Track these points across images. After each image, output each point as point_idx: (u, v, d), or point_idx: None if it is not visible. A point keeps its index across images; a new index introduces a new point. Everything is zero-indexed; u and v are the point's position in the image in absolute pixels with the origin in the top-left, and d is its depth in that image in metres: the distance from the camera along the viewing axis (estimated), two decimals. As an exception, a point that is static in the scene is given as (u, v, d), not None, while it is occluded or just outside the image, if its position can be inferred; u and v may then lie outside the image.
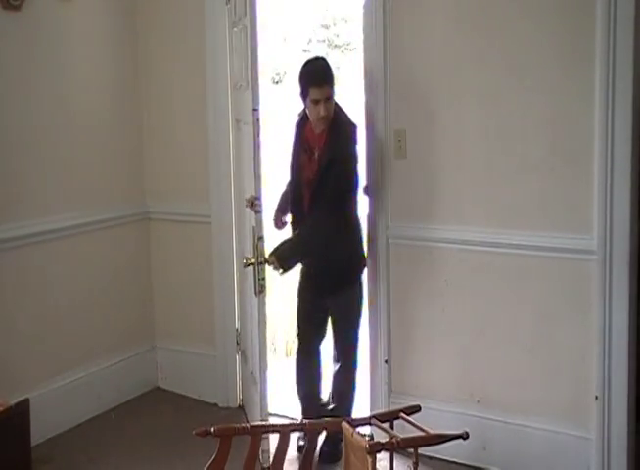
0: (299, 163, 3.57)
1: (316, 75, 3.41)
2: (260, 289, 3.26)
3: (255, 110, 3.22)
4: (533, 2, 3.23)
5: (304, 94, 3.43)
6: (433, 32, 3.45)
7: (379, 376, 3.73)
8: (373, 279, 3.69)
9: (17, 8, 3.59)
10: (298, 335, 3.75)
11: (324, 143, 3.47)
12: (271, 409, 3.54)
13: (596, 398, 3.19)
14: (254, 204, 3.26)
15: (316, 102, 3.39)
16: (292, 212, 3.68)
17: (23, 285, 3.72)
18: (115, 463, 3.61)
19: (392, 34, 3.52)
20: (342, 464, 2.91)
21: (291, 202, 3.66)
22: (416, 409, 3.14)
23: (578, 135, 3.17)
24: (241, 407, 4.19)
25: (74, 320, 3.98)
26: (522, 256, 3.33)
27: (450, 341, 3.55)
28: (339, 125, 3.47)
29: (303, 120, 3.57)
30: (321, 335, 3.73)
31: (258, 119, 3.22)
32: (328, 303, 3.62)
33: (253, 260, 3.25)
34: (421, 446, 2.80)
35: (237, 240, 4.13)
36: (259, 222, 3.24)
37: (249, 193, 3.37)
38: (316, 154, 3.50)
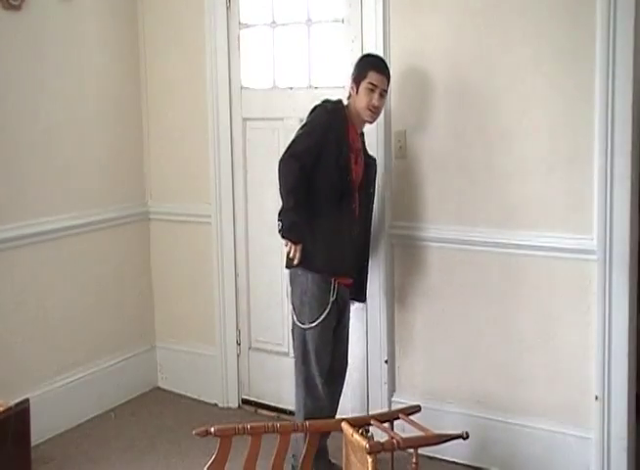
0: (350, 165, 3.23)
1: (380, 63, 3.28)
2: None
3: None
4: (534, 2, 3.23)
5: (360, 77, 3.22)
6: (433, 33, 3.45)
7: (379, 376, 3.73)
8: (373, 279, 3.69)
9: (17, 8, 3.59)
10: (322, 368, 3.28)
11: (362, 142, 3.37)
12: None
13: (596, 398, 3.19)
14: None
15: (372, 88, 3.19)
16: (334, 222, 3.21)
17: (23, 285, 3.72)
18: (115, 463, 3.61)
19: (392, 34, 3.52)
20: (343, 464, 2.92)
21: (334, 211, 3.19)
22: (416, 409, 3.15)
23: (578, 135, 3.17)
24: (240, 407, 4.19)
25: (74, 320, 3.98)
26: (522, 256, 3.33)
27: (450, 341, 3.55)
28: None
29: (343, 119, 3.23)
30: None
31: None
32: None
33: None
34: (421, 446, 2.81)
35: (237, 240, 4.14)
36: None
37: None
38: (360, 157, 3.32)
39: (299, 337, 3.25)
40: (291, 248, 3.15)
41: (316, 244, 3.18)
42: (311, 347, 3.21)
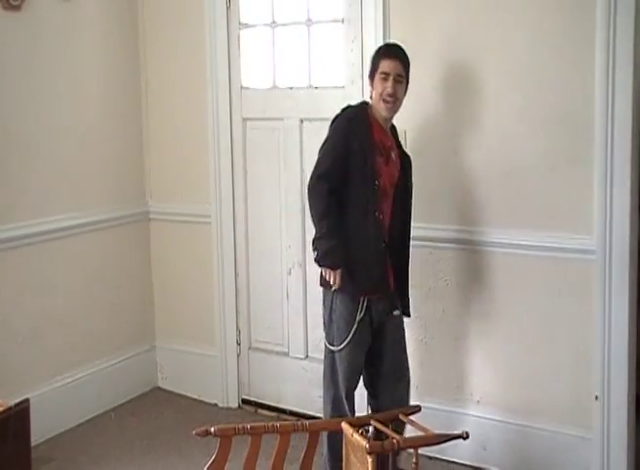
0: (376, 169, 3.01)
1: (390, 49, 3.10)
2: None
3: None
4: (534, 2, 3.23)
5: (373, 71, 3.04)
6: (432, 32, 3.45)
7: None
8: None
9: (17, 8, 3.59)
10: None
11: (396, 140, 3.16)
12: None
13: (596, 398, 3.19)
14: None
15: (385, 76, 2.99)
16: (360, 236, 3.02)
17: (23, 285, 3.71)
18: (115, 463, 3.61)
19: (392, 34, 3.52)
20: (343, 464, 2.91)
21: (360, 225, 3.01)
22: (416, 409, 3.14)
23: (578, 135, 3.17)
24: (240, 407, 4.19)
25: (74, 320, 3.98)
26: (522, 256, 3.33)
27: (450, 341, 3.55)
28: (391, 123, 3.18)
29: (366, 121, 3.05)
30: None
31: None
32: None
33: None
34: (421, 446, 2.80)
35: (237, 240, 4.14)
36: None
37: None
38: (393, 155, 3.09)
39: (329, 356, 3.14)
40: (329, 274, 2.98)
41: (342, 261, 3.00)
42: (340, 367, 3.10)
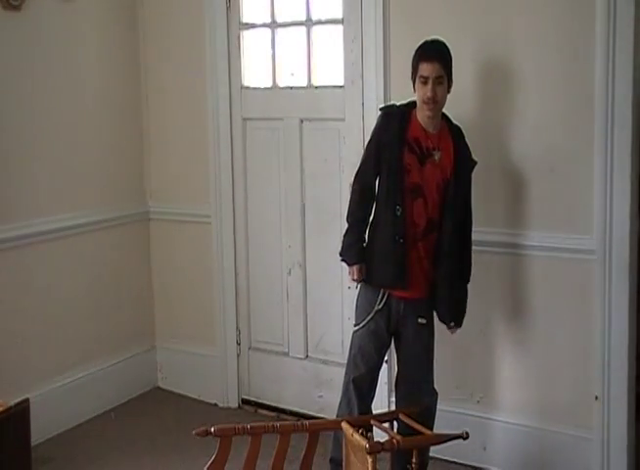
0: (402, 165, 3.00)
1: (428, 50, 3.00)
2: None
3: None
4: (535, 3, 3.23)
5: (414, 74, 3.00)
6: (432, 33, 3.44)
7: (379, 376, 3.72)
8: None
9: (17, 8, 3.59)
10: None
11: (451, 143, 3.06)
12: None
13: (596, 398, 3.19)
14: None
15: (424, 80, 2.95)
16: (381, 231, 3.06)
17: (23, 285, 3.71)
18: (115, 463, 3.61)
19: (392, 34, 3.52)
20: (343, 464, 2.92)
21: (381, 219, 3.06)
22: (416, 409, 3.14)
23: (578, 135, 3.17)
24: (240, 407, 4.19)
25: (74, 320, 3.98)
26: (522, 255, 3.33)
27: (450, 341, 3.54)
28: (455, 125, 3.11)
29: (403, 119, 3.05)
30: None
31: None
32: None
33: None
34: (421, 446, 2.80)
35: (237, 240, 4.14)
36: None
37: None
38: (437, 156, 3.03)
39: (352, 337, 3.21)
40: (348, 268, 3.16)
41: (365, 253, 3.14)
42: (352, 350, 3.17)
